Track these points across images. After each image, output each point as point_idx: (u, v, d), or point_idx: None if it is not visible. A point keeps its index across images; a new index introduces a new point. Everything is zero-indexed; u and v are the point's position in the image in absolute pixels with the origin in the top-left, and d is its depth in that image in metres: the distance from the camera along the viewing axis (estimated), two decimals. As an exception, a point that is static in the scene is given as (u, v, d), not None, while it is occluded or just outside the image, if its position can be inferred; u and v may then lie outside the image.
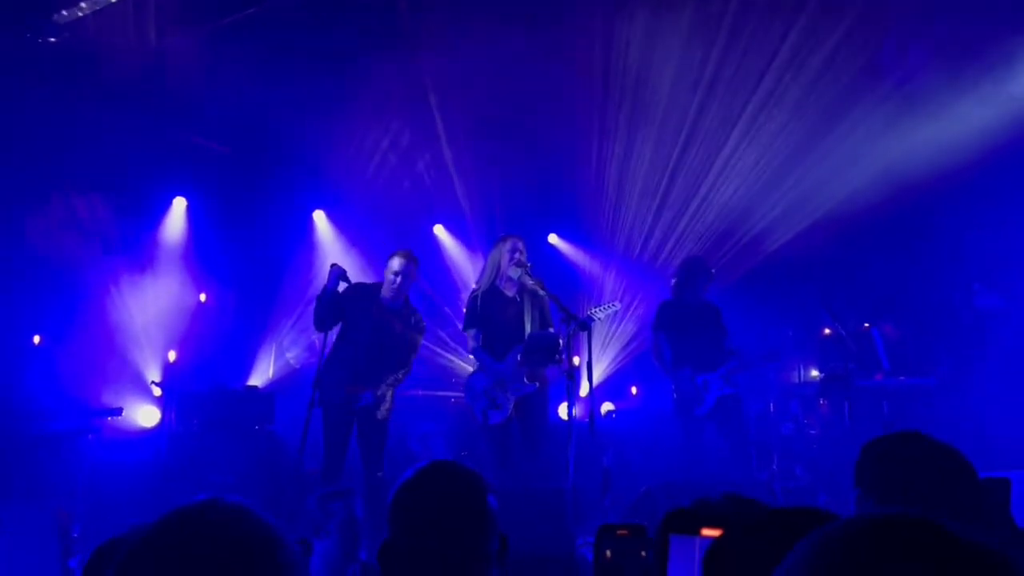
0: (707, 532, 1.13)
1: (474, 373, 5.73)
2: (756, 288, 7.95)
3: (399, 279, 5.59)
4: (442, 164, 9.01)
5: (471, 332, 5.72)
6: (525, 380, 5.52)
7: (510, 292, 5.68)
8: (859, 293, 7.60)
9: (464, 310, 5.92)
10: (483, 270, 5.90)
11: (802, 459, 6.90)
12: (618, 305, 6.02)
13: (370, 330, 5.55)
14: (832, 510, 1.16)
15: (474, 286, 5.95)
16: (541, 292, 5.60)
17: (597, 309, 5.72)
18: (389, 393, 5.62)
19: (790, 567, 0.69)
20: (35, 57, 7.08)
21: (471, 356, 5.91)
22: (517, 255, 5.62)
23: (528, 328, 5.61)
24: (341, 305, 5.58)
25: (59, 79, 7.27)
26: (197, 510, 1.06)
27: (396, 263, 5.63)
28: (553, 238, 9.54)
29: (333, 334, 5.72)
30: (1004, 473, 2.44)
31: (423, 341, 5.93)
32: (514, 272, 5.59)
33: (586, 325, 5.33)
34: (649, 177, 8.54)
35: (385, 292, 5.63)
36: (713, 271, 6.59)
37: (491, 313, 5.65)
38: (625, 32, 7.62)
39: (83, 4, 6.54)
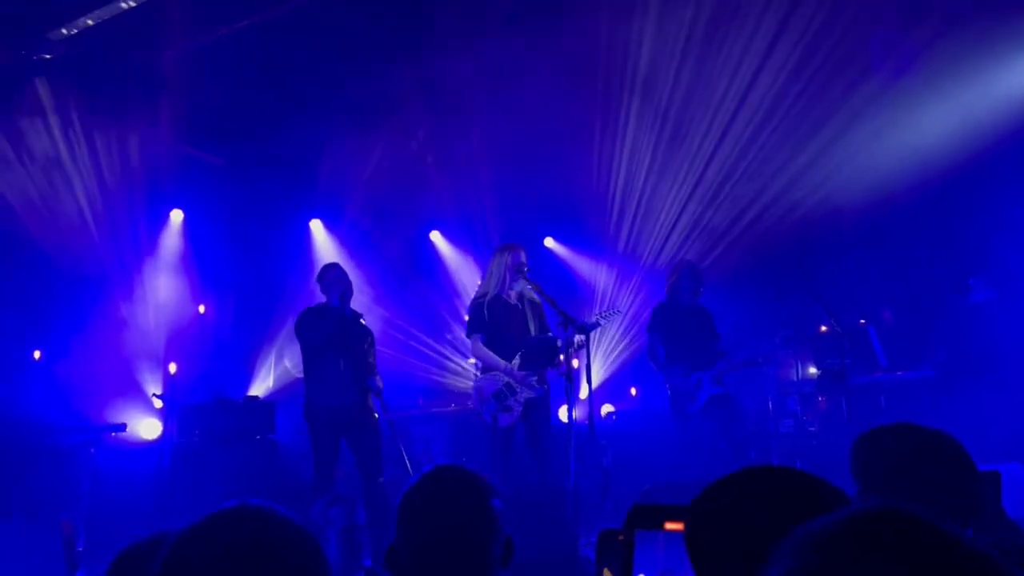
0: (670, 526, 1.17)
1: (483, 377, 5.77)
2: (751, 286, 7.98)
3: (347, 287, 5.82)
4: (438, 170, 9.05)
5: (476, 337, 5.76)
6: (535, 383, 5.57)
7: (512, 299, 5.73)
8: (855, 289, 7.63)
9: (467, 317, 5.96)
10: (485, 277, 5.94)
11: (802, 455, 6.92)
12: (622, 311, 6.06)
13: (345, 342, 5.73)
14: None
15: (478, 293, 5.98)
16: (539, 297, 5.66)
17: (601, 315, 5.80)
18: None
19: (780, 570, 0.70)
20: (30, 73, 7.13)
21: (472, 360, 5.96)
22: (519, 263, 5.68)
23: (531, 334, 5.67)
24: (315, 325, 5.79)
25: (53, 94, 7.31)
26: (232, 512, 1.09)
27: (338, 271, 5.90)
28: (549, 242, 9.57)
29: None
30: (995, 465, 2.47)
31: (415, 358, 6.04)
32: (518, 282, 5.66)
33: (584, 328, 5.39)
34: (642, 179, 8.58)
35: (342, 304, 5.79)
36: (701, 273, 6.67)
37: (497, 320, 5.70)
38: (624, 32, 7.62)
39: (83, 20, 6.58)
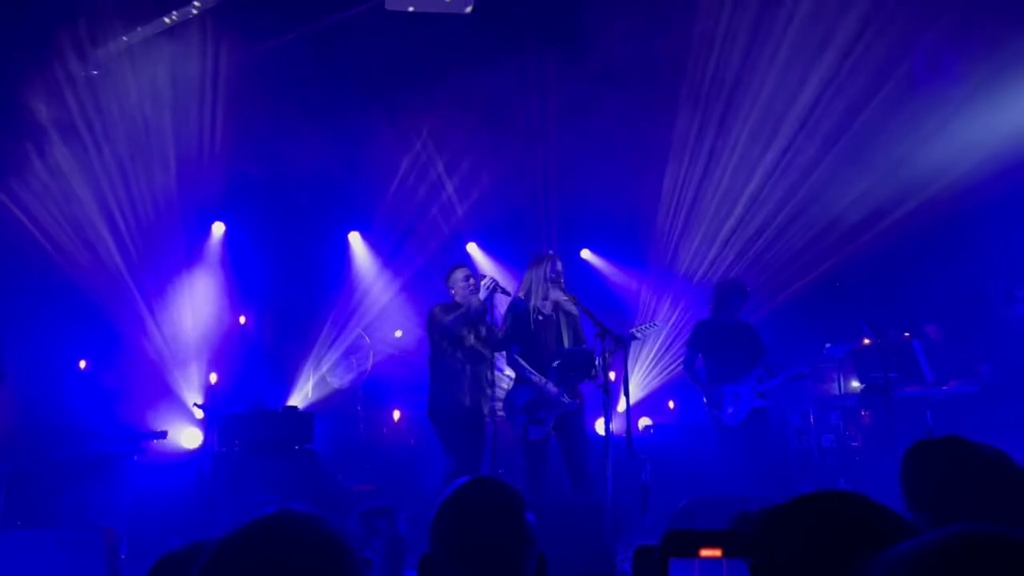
0: (706, 553, 1.14)
1: (514, 387, 5.73)
2: (793, 301, 7.88)
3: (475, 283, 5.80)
4: (474, 181, 9.08)
5: (510, 347, 5.74)
6: (567, 397, 5.52)
7: (547, 310, 5.70)
8: (899, 301, 7.50)
9: (503, 326, 5.93)
10: (518, 288, 5.92)
11: (845, 471, 6.80)
12: (659, 325, 5.99)
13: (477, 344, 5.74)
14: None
15: (511, 303, 5.94)
16: (575, 308, 5.62)
17: (638, 329, 5.73)
18: None
19: None
20: (76, 88, 7.31)
21: (508, 370, 5.93)
22: (554, 274, 5.64)
23: (565, 345, 5.62)
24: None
25: (98, 108, 7.49)
26: (272, 519, 1.09)
27: (466, 272, 5.92)
28: (586, 253, 9.53)
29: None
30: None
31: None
32: (551, 291, 5.63)
33: (622, 340, 5.34)
34: (684, 193, 8.53)
35: (476, 305, 5.70)
36: (748, 291, 6.59)
37: (529, 332, 5.66)
38: (677, 46, 7.55)
39: (124, 38, 6.75)
